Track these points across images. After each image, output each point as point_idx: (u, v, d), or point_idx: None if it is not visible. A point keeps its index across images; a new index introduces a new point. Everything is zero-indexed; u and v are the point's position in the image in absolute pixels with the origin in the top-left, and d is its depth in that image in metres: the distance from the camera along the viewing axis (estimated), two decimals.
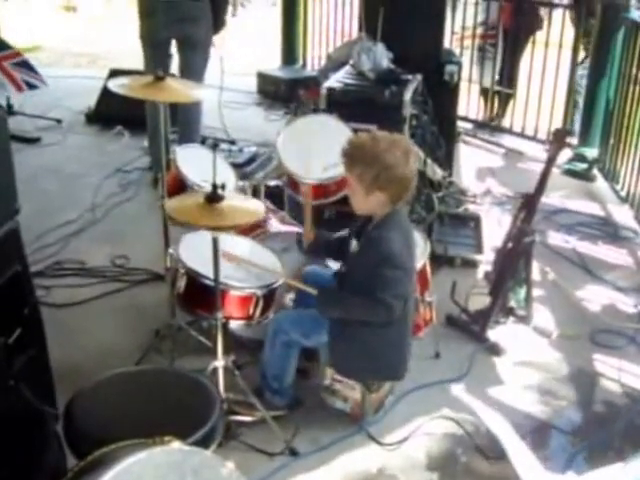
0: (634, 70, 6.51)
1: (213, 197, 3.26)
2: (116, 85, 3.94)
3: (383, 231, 3.38)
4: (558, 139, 4.42)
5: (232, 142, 7.26)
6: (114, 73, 7.88)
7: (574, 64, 7.60)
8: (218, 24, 6.38)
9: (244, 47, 11.58)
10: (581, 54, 7.73)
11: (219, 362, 3.57)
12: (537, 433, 3.84)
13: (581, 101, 7.60)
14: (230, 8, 6.94)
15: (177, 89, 4.07)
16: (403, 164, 3.31)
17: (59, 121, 8.17)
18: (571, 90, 7.57)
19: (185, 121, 6.45)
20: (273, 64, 10.37)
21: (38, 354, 3.41)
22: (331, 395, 3.77)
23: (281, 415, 3.76)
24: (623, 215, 6.35)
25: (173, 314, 4.20)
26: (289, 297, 4.06)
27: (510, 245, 4.55)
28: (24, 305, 3.32)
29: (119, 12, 16.21)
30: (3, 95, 7.81)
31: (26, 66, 7.77)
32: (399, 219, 3.46)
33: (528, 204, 4.48)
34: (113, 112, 7.58)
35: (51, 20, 15.55)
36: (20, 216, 3.25)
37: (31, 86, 7.82)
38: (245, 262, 3.80)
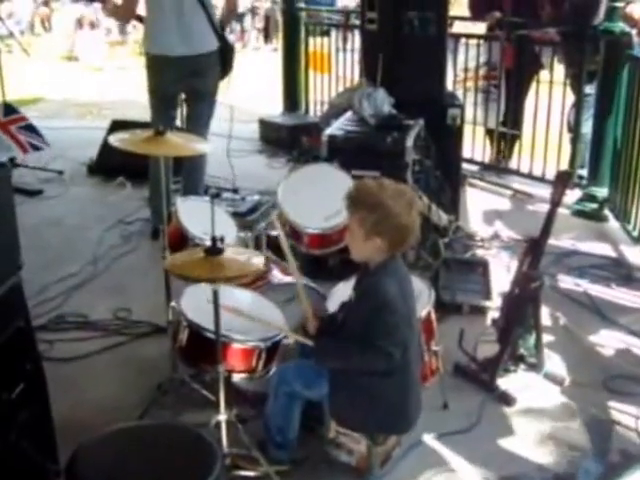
0: None
1: (212, 251, 3.29)
2: (117, 140, 3.95)
3: (379, 278, 3.33)
4: (561, 181, 4.36)
5: (235, 190, 7.23)
6: (116, 124, 7.94)
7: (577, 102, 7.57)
8: (225, 70, 6.42)
9: (246, 94, 11.60)
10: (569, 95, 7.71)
11: (222, 416, 3.53)
12: None
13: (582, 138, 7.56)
14: None
15: (178, 143, 4.06)
16: (405, 214, 3.27)
17: (61, 173, 8.18)
18: (577, 131, 7.54)
19: (189, 172, 6.46)
20: (275, 110, 10.39)
21: (40, 409, 3.40)
22: (336, 448, 3.68)
23: (285, 470, 3.67)
24: (636, 256, 6.23)
25: (175, 367, 4.16)
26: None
27: (517, 291, 4.47)
28: (27, 360, 3.31)
29: (121, 62, 16.35)
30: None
31: (31, 129, 7.99)
32: (395, 267, 3.41)
33: (533, 248, 4.41)
34: (115, 163, 7.54)
35: (53, 70, 15.68)
36: (22, 269, 3.25)
37: (35, 147, 8.00)
38: (246, 316, 3.74)
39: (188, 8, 6.04)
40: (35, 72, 14.81)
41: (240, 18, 23.52)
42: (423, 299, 3.87)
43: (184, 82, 6.22)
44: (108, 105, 12.12)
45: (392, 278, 3.32)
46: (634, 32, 6.58)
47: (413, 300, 3.50)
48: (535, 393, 4.44)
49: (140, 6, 6.26)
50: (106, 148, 7.89)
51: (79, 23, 20.22)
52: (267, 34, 23.83)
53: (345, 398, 3.47)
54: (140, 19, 6.37)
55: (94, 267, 5.96)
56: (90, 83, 14.53)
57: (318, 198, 4.60)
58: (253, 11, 23.89)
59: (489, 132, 8.47)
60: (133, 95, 10.68)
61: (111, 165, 7.82)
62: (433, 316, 4.02)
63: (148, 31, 6.32)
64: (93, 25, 20.23)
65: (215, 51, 6.25)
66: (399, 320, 3.28)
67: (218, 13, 6.50)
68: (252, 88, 12.42)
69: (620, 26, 6.66)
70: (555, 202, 4.32)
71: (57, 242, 6.50)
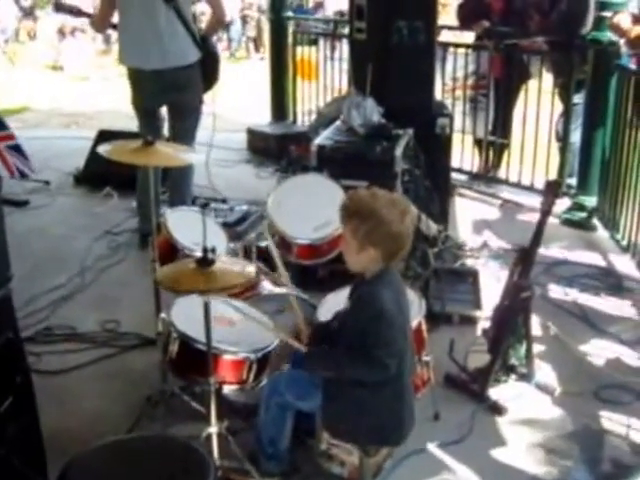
0: (629, 116, 6.47)
1: (204, 261, 3.27)
2: (105, 150, 3.92)
3: (374, 288, 3.29)
4: (551, 191, 4.36)
5: (223, 201, 7.19)
6: (103, 134, 7.90)
7: (568, 112, 7.58)
8: (210, 81, 6.34)
9: (233, 103, 11.56)
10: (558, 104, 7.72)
11: (213, 428, 3.52)
12: None
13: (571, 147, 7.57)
14: None
15: (167, 153, 4.05)
16: (398, 223, 3.24)
17: (47, 183, 8.13)
18: (566, 140, 7.55)
19: (176, 183, 6.40)
20: (263, 119, 10.36)
21: (29, 423, 3.37)
22: (327, 460, 3.65)
23: None
24: (625, 265, 6.23)
25: (165, 379, 4.13)
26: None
27: (508, 301, 4.46)
28: (16, 373, 3.29)
29: (106, 71, 16.32)
30: None
31: (19, 151, 7.88)
32: (391, 277, 3.38)
33: (524, 258, 4.40)
34: (102, 173, 7.50)
35: (38, 79, 15.63)
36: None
37: (21, 173, 7.92)
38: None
39: (163, 20, 5.89)
40: (20, 81, 14.77)
41: (227, 26, 23.48)
42: (414, 309, 3.85)
43: (163, 96, 6.13)
44: (94, 115, 12.08)
45: (388, 289, 3.29)
46: (622, 41, 6.58)
47: (408, 311, 3.48)
48: (526, 403, 4.43)
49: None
50: (93, 158, 7.85)
51: (61, 32, 20.19)
52: (256, 43, 23.81)
53: (338, 409, 3.43)
54: (114, 27, 6.27)
55: (82, 278, 5.93)
56: (75, 92, 14.50)
57: (308, 208, 4.60)
58: (244, 19, 23.82)
59: (478, 142, 8.45)
60: (119, 105, 10.64)
61: (98, 175, 7.77)
62: (424, 326, 4.02)
63: (122, 43, 6.18)
64: (74, 32, 20.14)
65: (195, 63, 6.11)
66: (394, 331, 3.25)
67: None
68: (240, 97, 12.38)
69: (608, 36, 6.66)
70: (545, 212, 4.32)
71: (44, 253, 6.45)
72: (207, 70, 6.26)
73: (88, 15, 6.47)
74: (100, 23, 6.42)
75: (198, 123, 6.40)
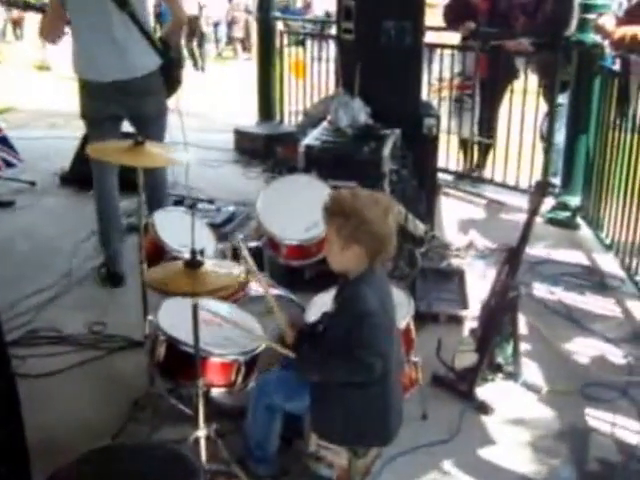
0: (612, 116, 6.52)
1: (192, 263, 3.26)
2: (94, 150, 3.88)
3: (358, 289, 3.29)
4: (539, 191, 4.38)
5: (210, 201, 7.17)
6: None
7: (552, 112, 7.60)
8: (171, 86, 5.87)
9: (220, 103, 11.54)
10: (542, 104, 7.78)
11: (201, 431, 3.50)
12: None
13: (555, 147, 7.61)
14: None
15: (157, 154, 3.99)
16: (381, 222, 3.24)
17: (33, 183, 8.08)
18: (550, 140, 7.58)
19: (154, 186, 5.99)
20: (250, 120, 10.37)
21: (14, 430, 3.31)
22: (316, 462, 3.62)
23: None
24: (608, 263, 6.28)
25: (152, 382, 4.11)
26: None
27: (494, 301, 4.47)
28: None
29: None
30: None
31: (5, 142, 7.83)
32: (375, 278, 3.37)
33: (511, 258, 4.41)
34: (88, 173, 7.41)
35: (24, 79, 15.52)
36: None
37: (8, 164, 7.92)
38: (228, 322, 3.72)
39: (118, 28, 5.47)
40: (6, 81, 14.67)
41: (215, 27, 23.46)
42: (403, 310, 3.85)
43: (121, 106, 5.66)
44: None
45: (372, 289, 3.29)
46: (606, 43, 6.62)
47: (394, 311, 3.47)
48: (513, 402, 4.45)
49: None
50: (79, 158, 7.82)
51: None
52: (244, 44, 23.78)
53: (326, 411, 3.43)
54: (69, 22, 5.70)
55: (68, 280, 5.88)
56: (62, 93, 14.40)
57: (297, 209, 4.60)
58: (232, 20, 23.77)
59: (463, 142, 8.48)
60: None
61: (84, 176, 7.68)
62: (412, 327, 4.02)
63: (76, 53, 5.71)
64: None
65: (155, 71, 5.69)
66: (379, 331, 3.25)
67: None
68: (227, 97, 12.35)
69: (592, 37, 6.72)
70: (533, 211, 4.34)
71: (30, 254, 6.41)
72: (169, 76, 5.84)
73: (37, 9, 6.12)
74: (50, 32, 5.80)
75: (164, 130, 5.94)
